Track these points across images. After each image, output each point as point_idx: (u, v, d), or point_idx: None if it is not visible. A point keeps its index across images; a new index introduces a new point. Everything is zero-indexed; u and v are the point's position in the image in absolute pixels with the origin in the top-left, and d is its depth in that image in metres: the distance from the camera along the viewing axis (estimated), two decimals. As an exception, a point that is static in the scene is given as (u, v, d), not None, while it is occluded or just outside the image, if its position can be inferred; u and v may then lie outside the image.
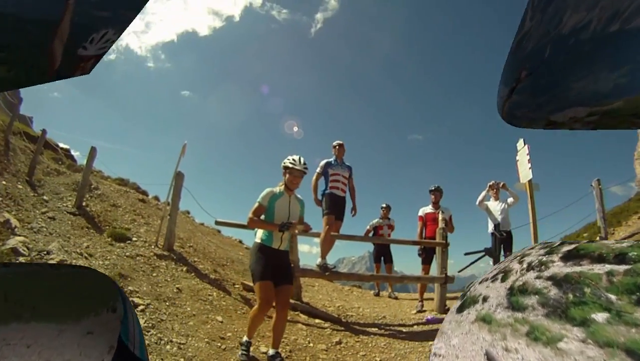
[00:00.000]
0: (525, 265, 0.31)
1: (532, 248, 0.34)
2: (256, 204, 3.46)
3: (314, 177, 5.83)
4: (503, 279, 0.31)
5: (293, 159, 3.57)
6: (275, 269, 3.38)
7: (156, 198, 8.79)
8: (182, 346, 3.35)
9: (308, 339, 4.37)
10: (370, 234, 8.25)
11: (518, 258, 0.33)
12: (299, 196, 3.72)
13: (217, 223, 6.36)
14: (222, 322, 4.16)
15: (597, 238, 6.42)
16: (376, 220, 8.25)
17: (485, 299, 0.30)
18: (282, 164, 3.65)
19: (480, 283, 0.34)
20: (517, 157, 7.95)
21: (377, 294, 7.98)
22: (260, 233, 3.50)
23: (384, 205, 8.39)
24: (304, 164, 3.59)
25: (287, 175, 3.57)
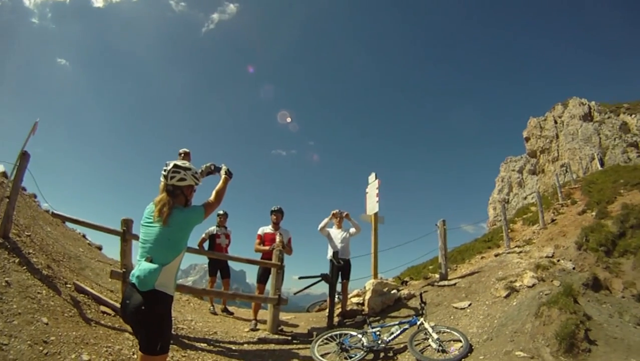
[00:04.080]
0: None
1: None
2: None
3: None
4: None
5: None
6: None
7: (4, 175, 7.62)
8: (3, 347, 3.32)
9: (133, 350, 4.52)
10: (206, 244, 7.80)
11: None
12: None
13: (53, 215, 6.03)
14: (47, 324, 4.06)
15: (439, 273, 7.67)
16: (213, 227, 7.86)
17: None
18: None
19: None
20: (367, 190, 8.72)
21: (214, 313, 7.58)
22: (175, 278, 2.65)
23: (221, 212, 8.02)
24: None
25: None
